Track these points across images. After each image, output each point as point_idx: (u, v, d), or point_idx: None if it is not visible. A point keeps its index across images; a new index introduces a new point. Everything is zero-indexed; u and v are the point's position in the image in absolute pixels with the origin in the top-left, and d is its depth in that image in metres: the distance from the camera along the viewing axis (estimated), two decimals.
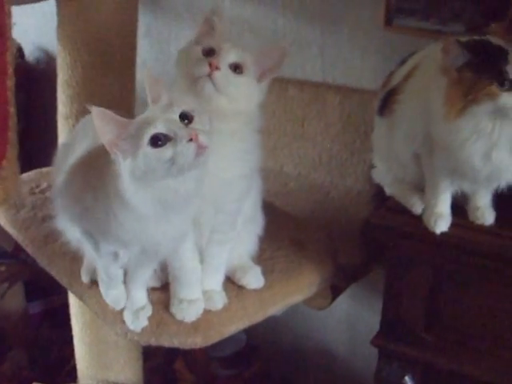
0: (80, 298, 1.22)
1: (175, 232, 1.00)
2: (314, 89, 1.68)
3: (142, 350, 1.64)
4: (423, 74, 1.10)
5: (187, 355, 1.94)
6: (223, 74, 1.01)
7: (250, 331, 1.93)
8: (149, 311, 1.12)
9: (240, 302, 1.16)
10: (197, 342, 1.11)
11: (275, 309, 1.22)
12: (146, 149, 0.86)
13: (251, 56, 1.06)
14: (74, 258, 1.23)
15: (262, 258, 1.27)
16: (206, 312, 1.13)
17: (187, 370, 1.96)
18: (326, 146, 1.69)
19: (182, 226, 1.01)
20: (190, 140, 0.86)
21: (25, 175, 1.52)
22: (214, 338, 1.13)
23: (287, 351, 2.03)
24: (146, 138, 0.86)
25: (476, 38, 1.02)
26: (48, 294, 2.17)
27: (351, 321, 1.82)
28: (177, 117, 0.88)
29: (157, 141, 0.86)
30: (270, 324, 2.00)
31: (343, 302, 1.74)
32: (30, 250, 1.35)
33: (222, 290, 1.17)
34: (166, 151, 0.86)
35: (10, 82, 0.99)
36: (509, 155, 1.00)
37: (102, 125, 0.88)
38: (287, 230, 1.39)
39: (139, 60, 2.09)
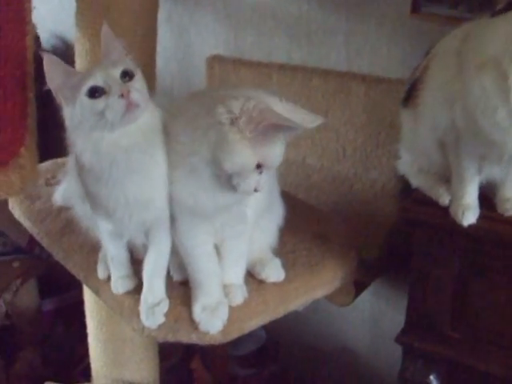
0: (96, 292, 1.19)
1: (136, 196, 0.97)
2: (339, 78, 1.63)
3: (159, 348, 1.59)
4: (440, 60, 1.07)
5: (205, 354, 1.91)
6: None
7: (269, 328, 1.91)
8: (165, 307, 1.08)
9: (260, 296, 1.12)
10: (216, 338, 1.06)
11: (297, 303, 1.18)
12: (82, 98, 0.91)
13: None
14: (91, 251, 1.20)
15: (283, 251, 1.22)
16: None
17: (204, 370, 1.92)
18: (350, 138, 1.65)
19: (142, 189, 0.98)
20: (122, 96, 0.90)
21: (41, 165, 1.47)
22: (234, 333, 1.08)
23: (308, 349, 1.98)
24: (85, 88, 0.90)
25: None
26: (62, 291, 2.13)
27: (374, 318, 1.77)
28: (118, 73, 0.92)
29: (94, 92, 0.90)
30: (290, 321, 1.95)
31: (366, 299, 1.69)
32: (45, 243, 1.32)
33: (242, 284, 1.12)
34: (99, 103, 0.90)
35: (30, 68, 0.97)
36: None
37: (50, 70, 0.92)
38: (310, 222, 1.35)
39: (160, 47, 2.08)
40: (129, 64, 0.95)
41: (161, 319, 1.07)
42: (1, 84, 0.92)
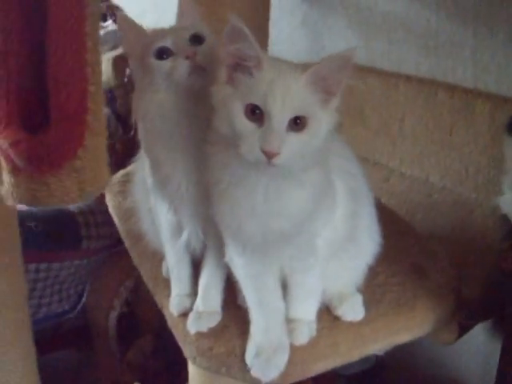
0: (161, 307, 1.14)
1: (195, 160, 0.94)
2: (464, 95, 1.52)
3: None
4: None
5: None
6: (286, 156, 0.82)
7: None
8: (215, 320, 1.02)
9: (331, 336, 1.01)
10: (272, 381, 0.96)
11: (375, 348, 1.06)
12: (151, 58, 0.93)
13: (307, 83, 0.83)
14: (161, 262, 1.18)
15: (373, 282, 1.12)
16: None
17: None
18: (474, 159, 1.53)
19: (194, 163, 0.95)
20: (187, 58, 0.91)
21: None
22: (295, 377, 0.98)
23: (417, 377, 1.89)
24: (154, 49, 0.93)
25: None
26: None
27: (487, 353, 1.65)
28: (187, 36, 0.94)
29: (162, 53, 0.93)
30: (403, 346, 1.87)
31: (480, 333, 1.58)
32: (126, 243, 1.30)
33: (311, 321, 1.01)
34: (166, 64, 0.92)
35: (91, 57, 0.85)
36: None
37: (123, 29, 0.97)
38: (410, 252, 1.23)
39: (294, 50, 2.07)
40: (200, 28, 0.96)
41: (204, 328, 1.01)
42: (51, 72, 0.82)
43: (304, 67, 0.83)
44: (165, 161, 0.99)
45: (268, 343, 0.96)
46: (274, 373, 0.95)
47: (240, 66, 0.83)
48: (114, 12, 2.51)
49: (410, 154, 1.70)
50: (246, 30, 0.80)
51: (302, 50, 2.05)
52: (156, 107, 0.95)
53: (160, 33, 0.96)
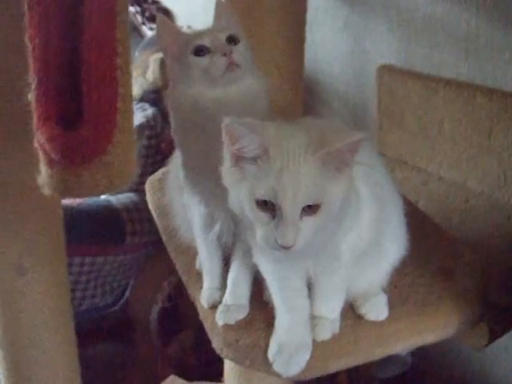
0: (193, 300, 1.18)
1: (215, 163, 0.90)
2: (503, 99, 1.50)
3: None
4: None
5: (351, 370, 1.83)
6: (303, 242, 0.83)
7: (417, 354, 1.83)
8: (242, 313, 1.05)
9: (353, 334, 1.02)
10: (293, 376, 0.99)
11: (397, 348, 1.07)
12: (189, 55, 0.99)
13: (318, 165, 0.82)
14: (195, 256, 1.21)
15: (400, 283, 1.13)
16: None
17: None
18: None
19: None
20: (224, 55, 0.97)
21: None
22: (316, 372, 1.01)
23: (453, 381, 1.87)
24: (192, 46, 0.99)
25: None
26: None
27: None
28: (224, 36, 1.00)
29: (200, 51, 0.98)
30: (439, 350, 1.86)
31: None
32: (163, 238, 1.34)
33: (335, 319, 1.03)
34: (204, 60, 0.98)
35: (121, 60, 0.93)
36: None
37: (161, 30, 1.02)
38: (439, 254, 1.24)
39: (336, 53, 2.08)
40: (236, 31, 1.03)
41: (231, 321, 1.04)
42: (84, 75, 0.91)
43: (314, 148, 0.80)
44: (196, 153, 1.02)
45: (291, 341, 0.98)
46: (295, 370, 0.97)
47: (245, 158, 0.83)
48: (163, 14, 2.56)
49: (449, 158, 1.68)
50: (244, 127, 0.80)
51: (344, 53, 2.06)
52: (190, 100, 0.99)
53: (198, 33, 1.03)
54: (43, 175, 0.97)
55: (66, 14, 0.92)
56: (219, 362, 1.76)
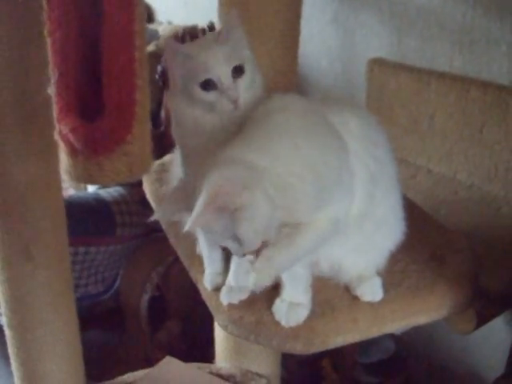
0: (195, 282, 1.22)
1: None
2: (497, 92, 1.50)
3: None
4: None
5: (335, 355, 1.90)
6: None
7: (399, 341, 1.83)
8: (244, 294, 1.08)
9: (351, 313, 1.06)
10: (296, 347, 1.04)
11: (393, 327, 1.10)
12: (195, 87, 0.98)
13: None
14: (195, 241, 1.22)
15: (392, 269, 1.14)
16: (310, 318, 1.05)
17: (333, 370, 1.92)
18: (504, 157, 1.52)
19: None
20: (232, 102, 0.97)
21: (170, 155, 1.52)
22: (317, 346, 1.04)
23: (436, 369, 1.87)
24: (199, 80, 0.97)
25: None
26: None
27: (508, 345, 1.61)
28: (230, 69, 0.98)
29: (206, 85, 0.97)
30: (422, 337, 1.86)
31: (502, 329, 1.55)
32: (163, 226, 1.36)
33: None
34: (210, 96, 0.98)
35: (139, 54, 0.96)
36: None
37: (168, 54, 1.01)
38: (431, 241, 1.24)
39: (325, 46, 2.06)
40: (242, 58, 1.00)
41: (235, 300, 1.08)
42: (104, 68, 0.94)
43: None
44: (194, 156, 1.03)
45: (293, 299, 1.06)
46: (294, 320, 1.04)
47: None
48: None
49: (439, 152, 1.68)
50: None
51: (333, 46, 2.05)
52: (191, 119, 1.01)
53: (204, 59, 0.98)
54: (65, 165, 1.01)
55: (85, 7, 0.95)
56: (204, 348, 1.76)
